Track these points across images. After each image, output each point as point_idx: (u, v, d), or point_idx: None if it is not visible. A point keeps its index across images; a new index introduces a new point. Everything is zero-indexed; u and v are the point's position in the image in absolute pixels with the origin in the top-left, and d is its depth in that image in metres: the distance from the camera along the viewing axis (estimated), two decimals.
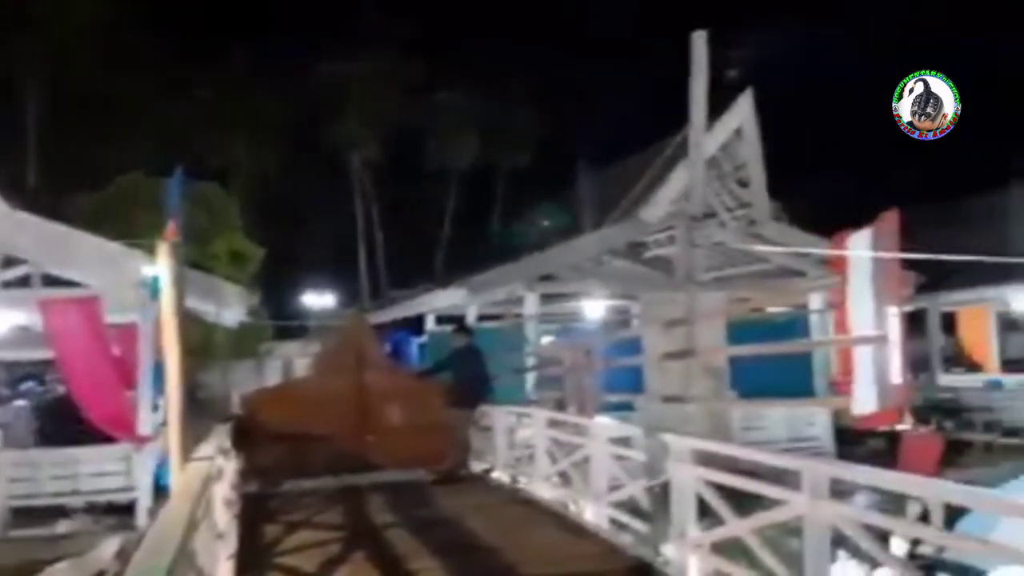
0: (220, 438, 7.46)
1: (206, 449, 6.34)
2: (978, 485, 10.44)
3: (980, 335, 19.95)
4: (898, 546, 5.30)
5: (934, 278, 16.33)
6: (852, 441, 14.98)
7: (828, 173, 32.59)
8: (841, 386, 11.24)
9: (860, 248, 10.89)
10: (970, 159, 27.20)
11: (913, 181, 25.58)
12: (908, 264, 11.76)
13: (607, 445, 7.59)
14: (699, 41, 6.48)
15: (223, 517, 6.17)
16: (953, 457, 13.04)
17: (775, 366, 13.07)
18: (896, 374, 10.69)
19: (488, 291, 13.81)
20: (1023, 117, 28.59)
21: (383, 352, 13.81)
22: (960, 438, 14.81)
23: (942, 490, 4.43)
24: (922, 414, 13.68)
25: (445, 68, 35.47)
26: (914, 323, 19.94)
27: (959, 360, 22.00)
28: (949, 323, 21.54)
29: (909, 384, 16.66)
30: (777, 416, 13.74)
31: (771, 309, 17.72)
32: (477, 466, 10.67)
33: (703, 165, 7.22)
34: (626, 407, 11.34)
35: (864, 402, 10.82)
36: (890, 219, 10.87)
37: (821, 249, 12.48)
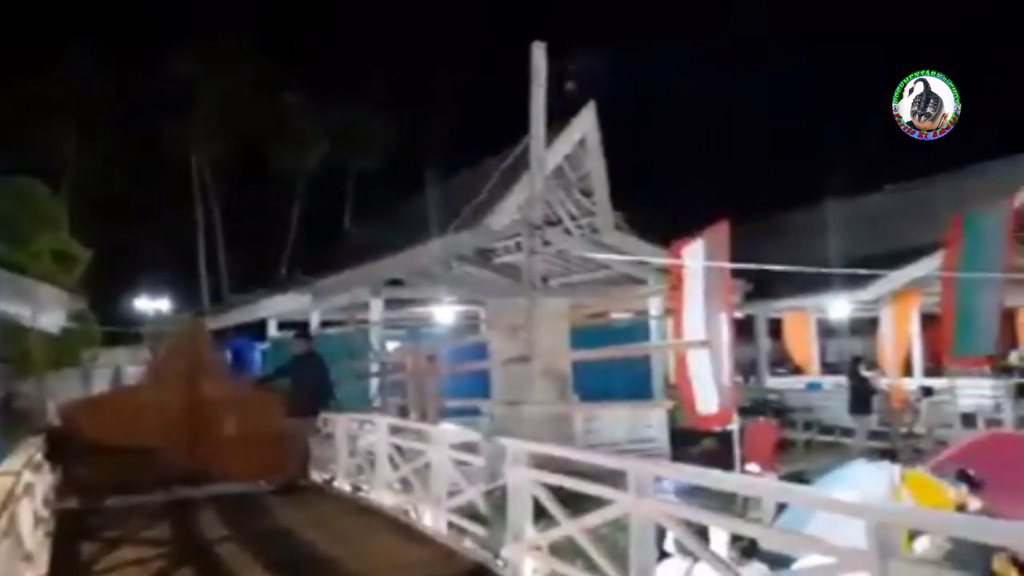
0: (29, 451, 6.91)
1: (12, 463, 5.86)
2: (799, 479, 11.22)
3: (802, 340, 21.42)
4: (718, 539, 5.58)
5: (761, 286, 17.39)
6: (688, 442, 15.73)
7: (670, 185, 34.21)
8: (680, 388, 11.78)
9: (694, 257, 11.50)
10: (792, 177, 29.32)
11: (744, 195, 27.17)
12: (737, 272, 12.55)
13: (448, 451, 7.60)
14: (538, 52, 6.62)
15: (31, 536, 5.73)
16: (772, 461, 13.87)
17: (616, 370, 13.56)
18: (727, 376, 11.35)
19: (332, 296, 13.55)
20: (839, 140, 30.95)
21: (220, 359, 13.25)
22: (783, 436, 15.80)
23: (753, 488, 4.69)
24: (750, 415, 14.49)
25: (293, 69, 34.77)
26: (744, 329, 21.21)
27: (784, 363, 23.60)
28: (776, 329, 23.05)
29: (739, 386, 17.71)
30: (618, 418, 14.21)
31: (615, 315, 18.37)
32: (318, 476, 10.42)
33: (544, 174, 7.37)
34: (473, 412, 11.43)
35: (707, 402, 11.42)
36: (720, 230, 11.52)
37: (660, 258, 13.05)
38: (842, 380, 17.07)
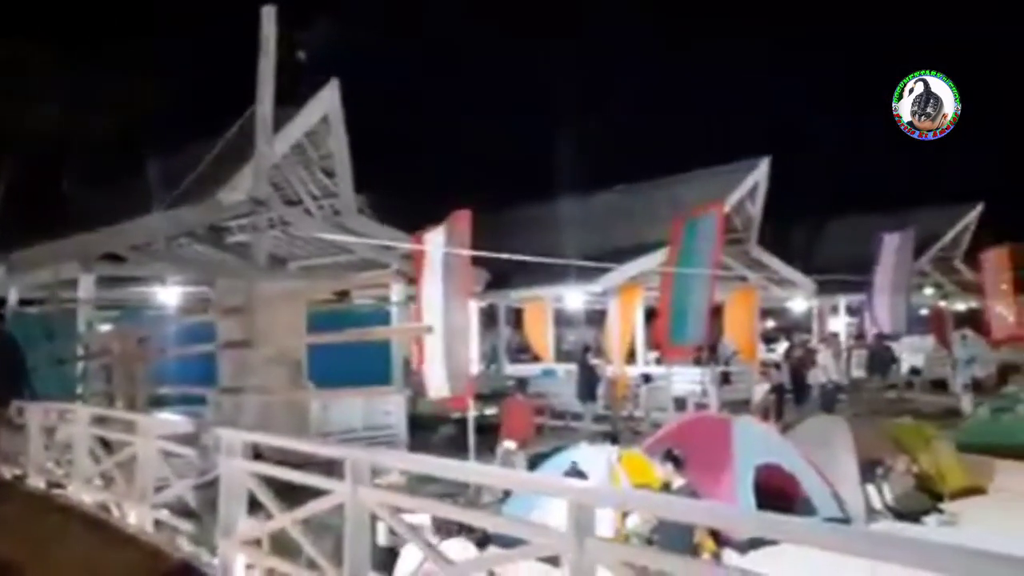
0: None
1: None
2: (533, 462, 11.57)
3: (540, 329, 22.33)
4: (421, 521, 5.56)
5: (503, 276, 17.90)
6: (428, 428, 15.85)
7: (417, 172, 34.34)
8: (420, 373, 11.77)
9: (435, 245, 11.53)
10: (536, 171, 30.59)
11: (490, 187, 27.84)
12: (478, 261, 12.78)
13: (156, 442, 6.98)
14: (268, 17, 6.21)
15: None
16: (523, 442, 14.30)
17: (356, 357, 13.26)
18: (463, 363, 11.52)
19: (33, 271, 12.05)
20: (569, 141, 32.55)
21: None
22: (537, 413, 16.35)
23: (465, 473, 4.69)
24: (501, 397, 14.86)
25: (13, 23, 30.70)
26: (489, 317, 21.78)
27: (527, 351, 24.54)
28: (519, 318, 23.91)
29: (479, 373, 18.07)
30: (354, 405, 13.95)
31: (359, 301, 18.05)
32: (7, 471, 9.23)
33: (272, 148, 6.95)
34: (199, 400, 10.66)
35: (440, 388, 11.50)
36: (462, 219, 11.65)
37: (404, 243, 12.96)
38: (574, 367, 17.99)
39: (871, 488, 10.93)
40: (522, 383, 15.93)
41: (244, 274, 7.04)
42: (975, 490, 11.93)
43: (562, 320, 27.18)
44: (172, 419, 7.58)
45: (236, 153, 12.72)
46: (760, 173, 19.47)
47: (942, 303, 25.91)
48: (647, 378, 17.64)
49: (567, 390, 17.61)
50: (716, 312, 18.41)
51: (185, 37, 33.44)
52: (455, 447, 12.57)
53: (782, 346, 22.79)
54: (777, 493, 10.15)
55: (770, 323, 30.55)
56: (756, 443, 10.61)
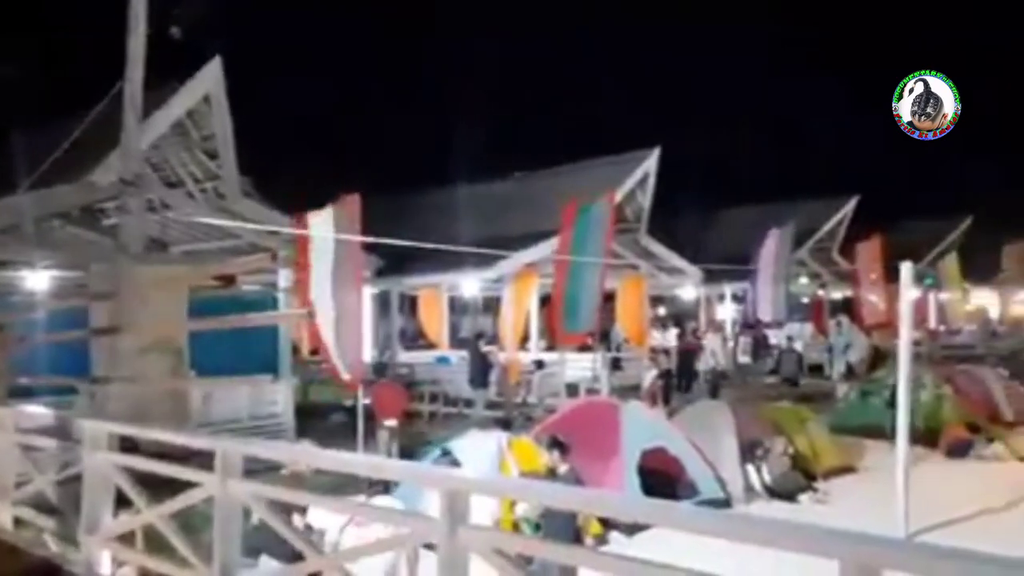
0: None
1: None
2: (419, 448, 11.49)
3: (435, 316, 22.21)
4: (299, 519, 5.43)
5: (397, 263, 17.69)
6: (319, 415, 15.56)
7: (310, 154, 33.59)
8: (324, 359, 11.50)
9: (322, 228, 11.24)
10: (434, 156, 30.35)
11: (382, 172, 27.53)
12: (370, 247, 12.55)
13: (15, 435, 6.57)
14: None
15: None
16: (404, 425, 14.18)
17: (241, 343, 12.89)
18: (359, 349, 11.32)
19: None
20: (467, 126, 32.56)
21: None
22: (410, 409, 16.25)
23: (342, 464, 4.59)
24: (372, 381, 14.66)
25: None
26: (383, 304, 21.51)
27: (420, 338, 24.38)
28: (414, 305, 23.72)
29: (372, 360, 17.82)
30: (239, 395, 13.54)
31: (246, 287, 17.49)
32: None
33: (139, 125, 6.60)
34: (71, 391, 10.11)
35: (342, 372, 11.26)
36: (351, 203, 11.40)
37: (288, 228, 12.59)
38: (468, 354, 17.97)
39: (751, 469, 11.33)
40: (383, 368, 15.85)
41: (115, 258, 6.67)
42: (846, 469, 12.56)
43: (458, 307, 27.14)
44: (33, 410, 7.14)
45: (112, 131, 12.06)
46: (650, 164, 19.87)
47: (820, 292, 27.12)
48: (540, 364, 17.80)
49: (460, 377, 17.58)
50: (608, 299, 18.72)
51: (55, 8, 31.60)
52: (343, 434, 12.39)
53: (671, 332, 23.41)
54: (663, 475, 10.42)
55: (661, 310, 31.33)
56: (643, 428, 10.84)
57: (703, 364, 19.96)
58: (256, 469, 4.99)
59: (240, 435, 10.15)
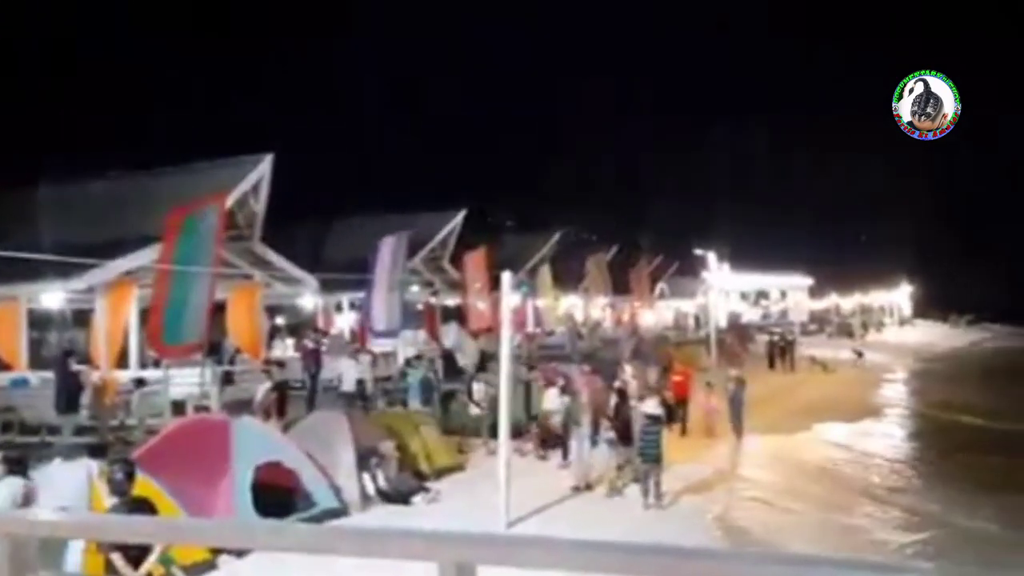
0: None
1: None
2: None
3: (10, 332, 19.19)
4: None
5: None
6: None
7: None
8: None
9: None
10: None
11: None
12: None
13: None
14: None
15: None
16: None
17: None
18: None
19: None
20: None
21: None
22: None
23: None
24: None
25: None
26: None
27: None
28: None
29: None
30: None
31: None
32: None
33: None
34: None
35: None
36: None
37: None
38: (52, 375, 15.80)
39: (367, 476, 11.46)
40: None
41: None
42: (456, 468, 13.30)
43: (43, 322, 23.86)
44: None
45: None
46: (264, 169, 19.14)
47: (432, 299, 28.42)
48: (140, 382, 16.24)
49: (43, 402, 15.38)
50: (219, 310, 17.69)
51: None
52: None
53: (287, 343, 22.92)
54: (279, 489, 10.24)
55: (279, 320, 30.53)
56: (256, 443, 10.57)
57: (333, 372, 19.35)
58: None
59: None
